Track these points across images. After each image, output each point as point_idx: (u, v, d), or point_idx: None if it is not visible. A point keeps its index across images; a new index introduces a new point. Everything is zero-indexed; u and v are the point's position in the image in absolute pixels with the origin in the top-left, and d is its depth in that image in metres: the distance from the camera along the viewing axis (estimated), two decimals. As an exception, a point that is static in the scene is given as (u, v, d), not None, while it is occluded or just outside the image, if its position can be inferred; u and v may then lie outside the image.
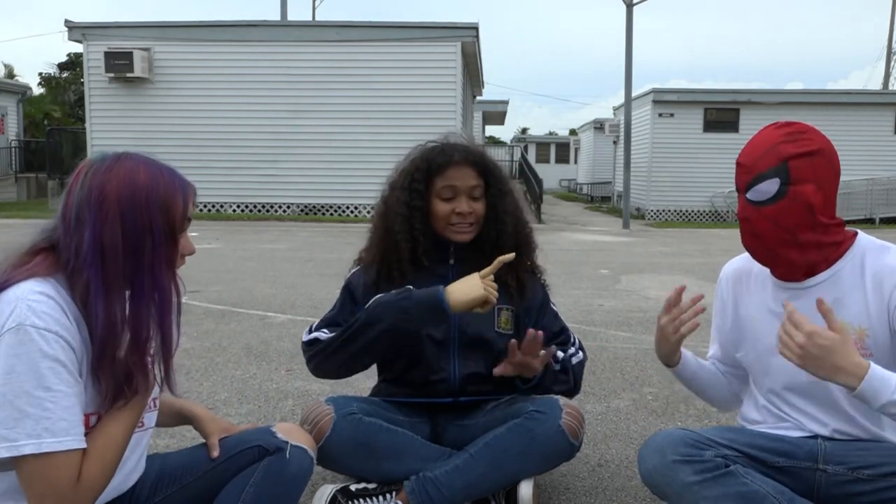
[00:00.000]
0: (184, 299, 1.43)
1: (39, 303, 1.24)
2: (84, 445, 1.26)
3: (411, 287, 1.95)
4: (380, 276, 2.10)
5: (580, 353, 2.22)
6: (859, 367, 1.44)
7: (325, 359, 2.03)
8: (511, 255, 1.93)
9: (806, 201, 1.59)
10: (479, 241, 2.13)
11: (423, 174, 2.07)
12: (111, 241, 1.29)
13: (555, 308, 2.25)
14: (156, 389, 1.47)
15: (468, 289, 1.87)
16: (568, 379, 2.15)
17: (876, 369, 1.44)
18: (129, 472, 1.49)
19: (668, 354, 1.89)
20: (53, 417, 1.22)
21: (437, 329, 2.06)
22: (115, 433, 1.33)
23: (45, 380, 1.21)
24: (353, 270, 2.21)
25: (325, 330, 2.09)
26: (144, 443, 1.53)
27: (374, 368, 2.21)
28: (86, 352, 1.29)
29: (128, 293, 1.33)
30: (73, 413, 1.25)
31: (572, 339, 2.24)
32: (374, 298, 1.98)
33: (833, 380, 1.46)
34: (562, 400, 2.05)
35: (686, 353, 1.94)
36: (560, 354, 2.15)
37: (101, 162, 1.33)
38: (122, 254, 1.30)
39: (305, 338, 2.11)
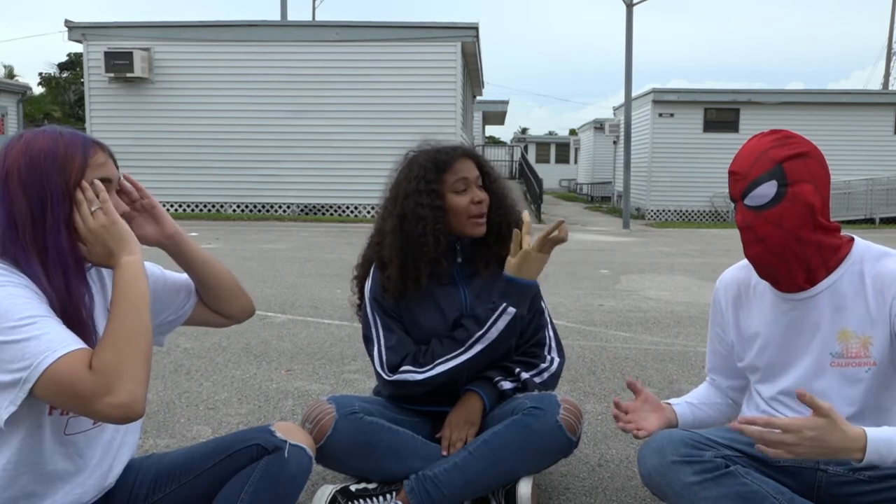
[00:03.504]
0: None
1: None
2: (85, 346, 1.27)
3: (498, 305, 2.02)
4: (405, 286, 2.07)
5: (552, 367, 2.17)
6: (856, 440, 1.41)
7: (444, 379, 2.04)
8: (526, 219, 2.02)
9: (805, 201, 1.59)
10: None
11: (433, 174, 2.07)
12: (20, 213, 1.32)
13: (542, 305, 2.23)
14: None
15: (539, 267, 2.02)
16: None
17: (873, 435, 1.41)
18: (105, 472, 1.48)
19: (662, 429, 1.87)
20: (53, 331, 1.24)
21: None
22: (116, 317, 1.30)
23: (27, 310, 1.24)
24: (370, 283, 2.14)
25: (410, 365, 2.04)
26: (116, 444, 1.51)
27: (372, 369, 2.21)
28: None
29: (45, 261, 1.34)
30: (66, 329, 1.27)
31: (547, 348, 2.20)
32: (483, 337, 2.01)
33: (836, 458, 1.44)
34: (559, 396, 2.05)
35: (679, 408, 1.93)
36: (524, 375, 2.12)
37: (7, 144, 1.36)
38: (31, 223, 1.32)
39: (396, 378, 2.04)
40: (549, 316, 2.25)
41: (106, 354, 1.25)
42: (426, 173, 2.07)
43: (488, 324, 2.01)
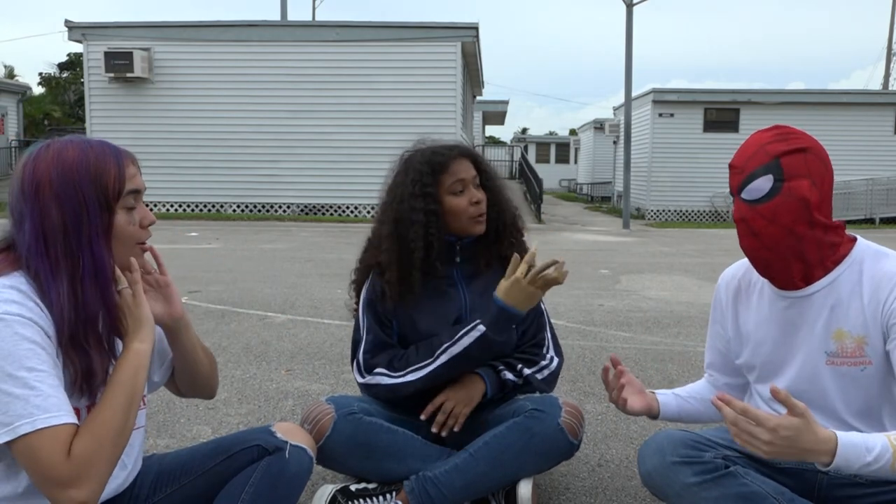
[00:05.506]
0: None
1: (9, 294, 1.25)
2: (75, 421, 1.25)
3: (479, 325, 1.98)
4: (402, 291, 2.06)
5: (552, 365, 2.17)
6: (827, 442, 1.38)
7: (411, 387, 2.03)
8: (532, 253, 1.95)
9: (801, 196, 1.58)
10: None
11: (429, 177, 2.05)
12: (51, 225, 1.30)
13: (542, 306, 2.21)
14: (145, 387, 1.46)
15: (527, 298, 1.93)
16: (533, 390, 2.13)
17: (844, 440, 1.39)
18: (129, 472, 1.50)
19: (643, 412, 1.88)
20: (43, 394, 1.21)
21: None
22: (108, 406, 1.29)
23: (27, 360, 1.22)
24: (367, 287, 2.14)
25: (384, 369, 2.05)
26: (139, 442, 1.53)
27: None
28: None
29: (76, 273, 1.32)
30: (60, 391, 1.25)
31: (546, 348, 2.20)
32: (449, 349, 1.99)
33: (805, 461, 1.42)
34: (561, 399, 2.05)
35: (663, 398, 1.93)
36: (526, 371, 2.12)
37: (31, 154, 1.34)
38: (63, 235, 1.31)
39: (368, 380, 2.06)
40: (548, 317, 2.25)
41: (88, 445, 1.23)
42: (422, 177, 2.05)
43: (456, 336, 1.99)
